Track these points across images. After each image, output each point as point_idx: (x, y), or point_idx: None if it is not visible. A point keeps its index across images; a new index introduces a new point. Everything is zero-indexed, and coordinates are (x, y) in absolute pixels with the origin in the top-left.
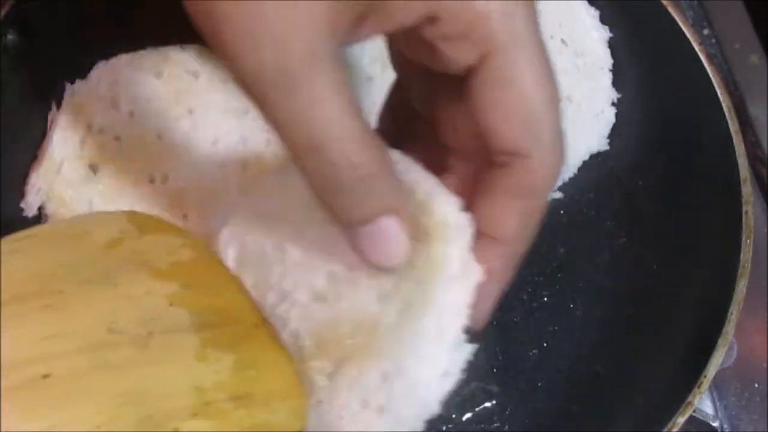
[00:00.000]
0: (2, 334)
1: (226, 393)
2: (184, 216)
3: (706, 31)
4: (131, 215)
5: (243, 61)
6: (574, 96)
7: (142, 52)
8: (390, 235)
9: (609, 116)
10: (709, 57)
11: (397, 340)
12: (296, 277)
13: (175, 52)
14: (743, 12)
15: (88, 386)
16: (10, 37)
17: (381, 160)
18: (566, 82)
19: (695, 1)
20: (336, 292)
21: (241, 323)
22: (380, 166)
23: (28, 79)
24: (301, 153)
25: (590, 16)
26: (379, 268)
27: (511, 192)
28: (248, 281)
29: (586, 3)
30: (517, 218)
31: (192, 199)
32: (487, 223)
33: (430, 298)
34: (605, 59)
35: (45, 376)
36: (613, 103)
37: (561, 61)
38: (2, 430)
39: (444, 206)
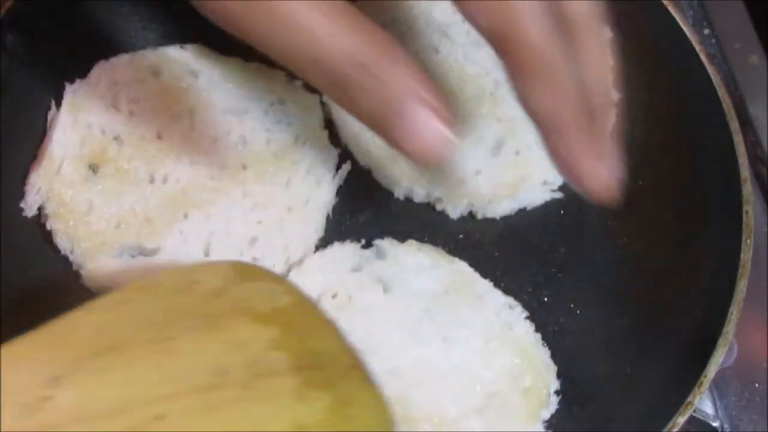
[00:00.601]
0: (120, 377)
1: (325, 431)
2: (185, 216)
3: (706, 31)
4: (235, 264)
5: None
6: None
7: (141, 52)
8: (418, 120)
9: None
10: (709, 57)
11: None
12: (382, 345)
13: (174, 51)
14: (743, 12)
15: (198, 426)
16: (10, 37)
17: (378, 45)
18: None
19: (695, 1)
20: (417, 378)
21: (337, 364)
22: (379, 51)
23: (28, 79)
24: (308, 75)
25: None
26: (424, 162)
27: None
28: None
29: None
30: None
31: (192, 199)
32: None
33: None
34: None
35: (159, 417)
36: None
37: None
38: None
39: None
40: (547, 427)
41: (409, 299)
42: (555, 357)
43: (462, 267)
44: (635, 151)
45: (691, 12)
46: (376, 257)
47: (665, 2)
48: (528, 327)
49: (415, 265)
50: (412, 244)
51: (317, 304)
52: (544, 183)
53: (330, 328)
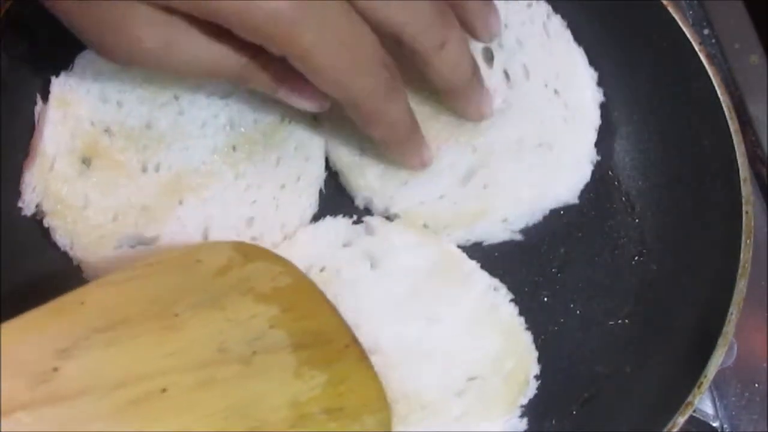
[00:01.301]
0: (126, 351)
1: (320, 407)
2: (180, 202)
3: (706, 31)
4: (237, 245)
5: None
6: (555, 144)
7: None
8: (298, 85)
9: (585, 172)
10: (709, 57)
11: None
12: (366, 321)
13: None
14: (743, 12)
15: (199, 400)
16: (9, 37)
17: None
18: (550, 129)
19: (695, 1)
20: (398, 357)
21: (333, 343)
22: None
23: (27, 79)
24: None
25: (588, 75)
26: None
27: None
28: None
29: (587, 62)
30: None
31: (186, 184)
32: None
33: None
34: (594, 119)
35: (163, 390)
36: (591, 162)
37: (549, 108)
38: None
39: None
40: (523, 413)
41: (396, 276)
42: (555, 357)
43: (450, 247)
44: (635, 152)
45: (691, 12)
46: (366, 233)
47: (665, 2)
48: (512, 309)
49: (404, 243)
50: (401, 223)
51: (315, 285)
52: (504, 221)
53: (327, 307)
